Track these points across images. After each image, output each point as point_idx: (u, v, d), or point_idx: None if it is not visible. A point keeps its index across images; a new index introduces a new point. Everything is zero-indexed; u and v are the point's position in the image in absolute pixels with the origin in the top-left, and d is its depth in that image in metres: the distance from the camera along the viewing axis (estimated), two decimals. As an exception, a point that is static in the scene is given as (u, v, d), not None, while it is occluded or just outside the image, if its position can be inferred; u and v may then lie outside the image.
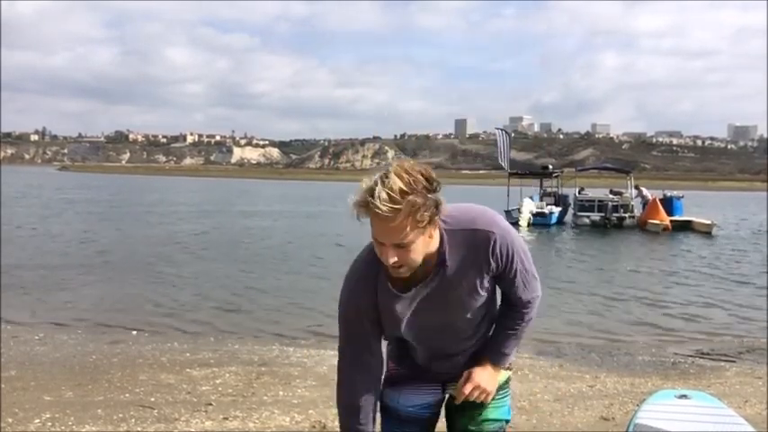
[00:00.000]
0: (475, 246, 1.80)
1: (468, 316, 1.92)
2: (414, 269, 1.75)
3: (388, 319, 1.88)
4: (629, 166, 46.41)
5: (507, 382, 2.12)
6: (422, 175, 1.64)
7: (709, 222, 24.17)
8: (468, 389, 1.97)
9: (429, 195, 1.64)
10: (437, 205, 1.67)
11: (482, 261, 1.82)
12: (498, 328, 2.01)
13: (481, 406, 2.02)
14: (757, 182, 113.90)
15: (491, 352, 2.00)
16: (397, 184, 1.60)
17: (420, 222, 1.65)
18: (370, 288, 1.85)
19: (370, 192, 1.62)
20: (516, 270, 1.88)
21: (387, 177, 1.62)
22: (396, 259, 1.69)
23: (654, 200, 25.71)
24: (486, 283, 1.87)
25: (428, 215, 1.65)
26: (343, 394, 1.94)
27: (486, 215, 1.84)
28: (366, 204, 1.63)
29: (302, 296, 10.71)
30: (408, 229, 1.64)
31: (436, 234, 1.75)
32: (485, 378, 1.99)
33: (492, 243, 1.80)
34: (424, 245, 1.71)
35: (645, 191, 27.57)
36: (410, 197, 1.61)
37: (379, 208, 1.60)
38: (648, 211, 25.30)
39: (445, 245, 1.79)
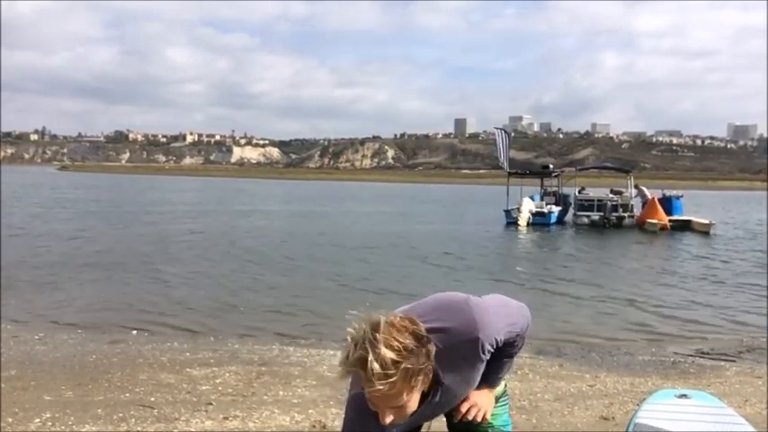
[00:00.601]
0: (465, 355, 1.79)
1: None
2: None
3: None
4: (629, 166, 46.39)
5: (505, 391, 2.13)
6: (410, 333, 1.60)
7: (707, 222, 24.22)
8: (465, 407, 1.98)
9: (421, 357, 1.60)
10: (429, 356, 1.64)
11: (475, 361, 1.82)
12: (494, 358, 1.94)
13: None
14: (757, 181, 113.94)
15: (487, 377, 1.98)
16: (389, 355, 1.54)
17: (415, 386, 1.63)
18: (371, 418, 1.75)
19: (362, 363, 1.55)
20: (504, 339, 1.87)
21: (377, 347, 1.54)
22: (392, 418, 1.66)
23: (652, 199, 25.77)
24: (482, 370, 1.88)
25: (422, 378, 1.63)
26: None
27: (465, 315, 1.77)
28: (360, 372, 1.58)
29: (301, 295, 10.71)
30: (405, 394, 1.61)
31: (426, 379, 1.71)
32: (481, 398, 2.01)
33: (480, 347, 1.78)
34: (416, 403, 1.69)
35: (645, 190, 27.58)
36: (403, 365, 1.56)
37: (373, 385, 1.56)
38: (647, 211, 25.37)
39: (437, 368, 1.73)
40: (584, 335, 8.35)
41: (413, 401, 1.66)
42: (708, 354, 7.27)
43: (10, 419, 4.30)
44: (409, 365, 1.58)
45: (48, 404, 4.67)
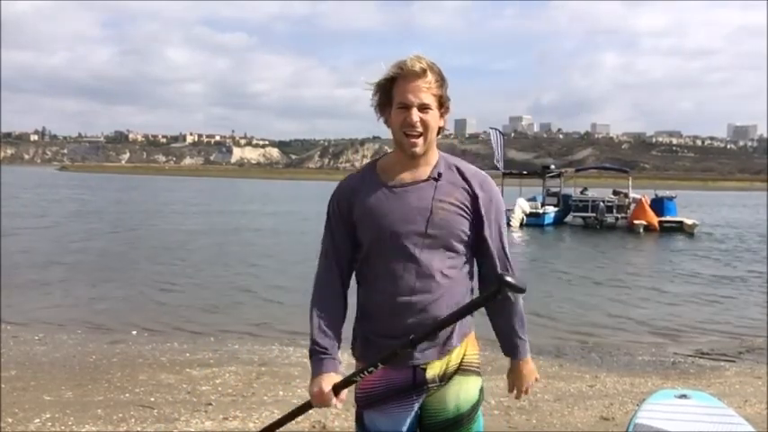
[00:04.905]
0: (466, 176, 1.93)
1: (448, 243, 1.88)
2: (425, 148, 1.88)
3: (370, 211, 1.90)
4: (629, 166, 46.49)
5: (481, 392, 2.03)
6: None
7: (690, 223, 24.49)
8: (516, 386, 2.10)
9: (447, 91, 1.89)
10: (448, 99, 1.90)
11: (468, 188, 1.91)
12: (496, 318, 2.02)
13: (457, 427, 1.96)
14: (757, 181, 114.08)
15: (511, 339, 2.03)
16: (423, 57, 1.85)
17: (441, 90, 1.85)
18: (360, 179, 1.98)
19: (401, 62, 1.84)
20: (498, 227, 1.93)
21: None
22: (419, 118, 1.83)
23: (640, 201, 25.97)
24: (469, 215, 1.89)
25: (446, 93, 1.88)
26: (315, 293, 2.05)
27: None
28: (399, 69, 1.83)
29: (300, 295, 10.68)
30: (435, 90, 1.84)
31: (435, 149, 1.93)
32: (525, 373, 2.08)
33: (483, 177, 1.95)
34: (437, 122, 1.89)
35: (632, 195, 27.95)
36: (437, 68, 1.87)
37: (413, 65, 1.82)
38: (635, 212, 25.60)
39: (441, 164, 1.93)
40: (584, 335, 8.35)
41: (435, 115, 1.87)
42: (707, 354, 7.26)
43: (10, 419, 4.30)
44: (441, 73, 1.86)
45: (48, 404, 4.67)
